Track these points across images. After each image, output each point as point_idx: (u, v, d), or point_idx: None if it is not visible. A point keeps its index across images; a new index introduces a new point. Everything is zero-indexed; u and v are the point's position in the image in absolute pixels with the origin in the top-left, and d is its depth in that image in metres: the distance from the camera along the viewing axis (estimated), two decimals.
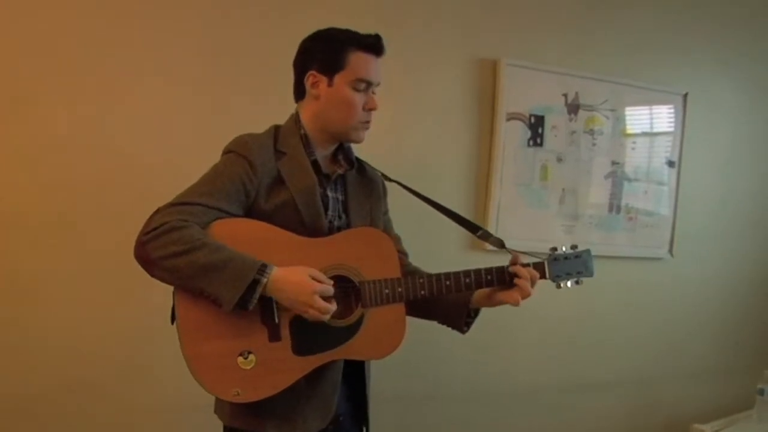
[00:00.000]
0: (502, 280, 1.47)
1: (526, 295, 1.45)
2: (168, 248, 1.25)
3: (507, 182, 2.37)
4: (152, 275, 1.29)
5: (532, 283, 1.46)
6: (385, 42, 1.45)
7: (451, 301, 1.53)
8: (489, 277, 1.46)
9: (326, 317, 1.32)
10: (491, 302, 1.50)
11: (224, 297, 1.26)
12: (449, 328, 1.58)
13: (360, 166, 1.57)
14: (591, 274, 1.55)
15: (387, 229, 1.62)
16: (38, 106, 1.84)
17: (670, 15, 2.62)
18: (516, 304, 1.45)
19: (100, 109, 1.89)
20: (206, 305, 1.29)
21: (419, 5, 2.23)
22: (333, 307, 1.33)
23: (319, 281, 1.32)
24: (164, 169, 1.89)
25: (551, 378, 2.57)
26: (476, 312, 1.55)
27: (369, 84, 1.45)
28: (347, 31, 1.45)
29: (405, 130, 2.25)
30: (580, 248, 1.55)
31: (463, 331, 1.56)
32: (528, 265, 1.49)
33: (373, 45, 1.44)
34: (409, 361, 2.11)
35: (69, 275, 1.88)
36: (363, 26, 1.47)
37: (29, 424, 1.87)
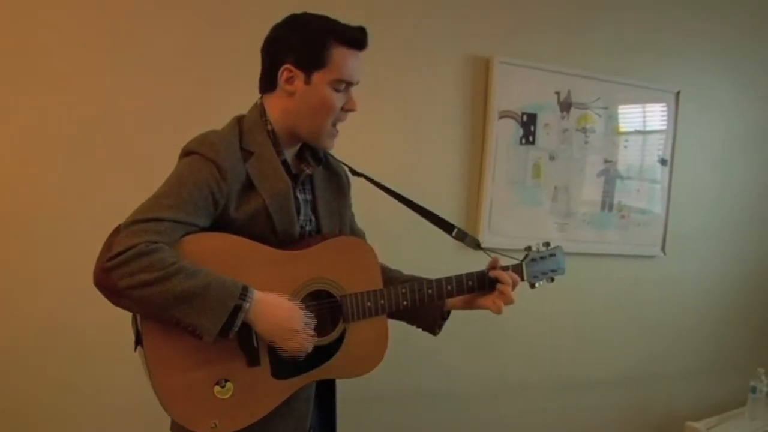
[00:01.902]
0: (483, 284, 1.44)
1: (509, 302, 1.42)
2: (138, 276, 1.11)
3: (499, 180, 2.36)
4: (116, 305, 1.15)
5: (513, 287, 1.43)
6: (370, 34, 1.31)
7: (425, 305, 1.47)
8: (470, 283, 1.43)
9: (306, 350, 1.23)
10: (470, 306, 1.47)
11: (204, 327, 1.14)
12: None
13: (325, 159, 1.44)
14: (563, 272, 1.53)
15: (351, 223, 1.53)
16: (32, 104, 1.82)
17: (662, 13, 2.63)
18: (499, 312, 1.41)
19: (97, 108, 1.87)
20: (178, 332, 1.17)
21: (411, 3, 2.22)
22: (311, 344, 1.24)
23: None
24: (160, 167, 1.87)
25: (544, 377, 2.57)
26: (449, 314, 1.52)
27: (349, 84, 1.31)
28: (328, 21, 1.29)
29: (397, 128, 2.24)
30: (553, 245, 1.52)
31: (435, 334, 1.52)
32: (507, 268, 1.46)
33: (358, 40, 1.29)
34: (401, 360, 2.09)
35: (65, 274, 1.86)
36: (354, 23, 1.39)
37: (19, 425, 1.86)
